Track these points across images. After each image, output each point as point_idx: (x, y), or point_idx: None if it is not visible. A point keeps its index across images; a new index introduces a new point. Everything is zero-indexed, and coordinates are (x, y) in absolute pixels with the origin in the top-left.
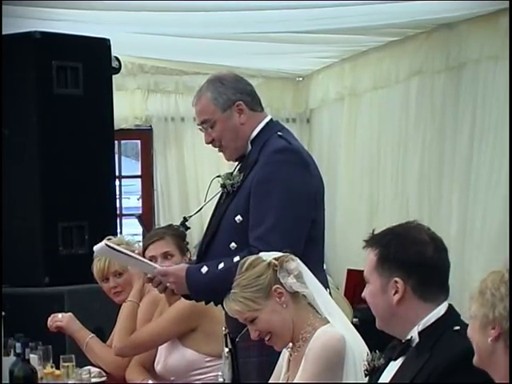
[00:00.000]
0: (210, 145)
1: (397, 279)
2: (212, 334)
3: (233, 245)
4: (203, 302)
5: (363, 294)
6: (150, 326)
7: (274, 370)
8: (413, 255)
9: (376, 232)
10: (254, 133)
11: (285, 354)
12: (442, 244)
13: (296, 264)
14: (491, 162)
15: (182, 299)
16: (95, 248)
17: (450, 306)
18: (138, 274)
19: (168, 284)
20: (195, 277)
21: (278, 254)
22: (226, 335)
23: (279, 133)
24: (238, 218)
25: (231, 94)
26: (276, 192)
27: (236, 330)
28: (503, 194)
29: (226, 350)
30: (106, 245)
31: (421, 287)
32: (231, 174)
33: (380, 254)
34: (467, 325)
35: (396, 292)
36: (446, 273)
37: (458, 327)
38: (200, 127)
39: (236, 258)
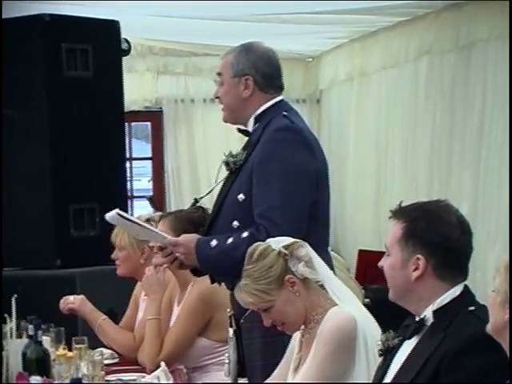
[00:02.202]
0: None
1: (419, 257)
2: (224, 322)
3: (235, 223)
4: (211, 293)
5: (380, 263)
6: (170, 335)
7: (277, 351)
8: (439, 236)
9: (404, 204)
10: (259, 110)
11: (296, 336)
12: (468, 228)
13: (306, 251)
14: (502, 142)
15: (189, 296)
16: (107, 215)
17: (466, 287)
18: (154, 289)
19: (178, 254)
20: (204, 249)
21: (287, 242)
22: (230, 317)
23: (284, 113)
24: (241, 196)
25: (246, 67)
26: (276, 170)
27: (241, 312)
28: None
29: (231, 331)
30: (117, 213)
31: (441, 268)
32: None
33: (406, 228)
34: (482, 305)
35: (416, 269)
36: (468, 256)
37: (472, 308)
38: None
39: (245, 234)
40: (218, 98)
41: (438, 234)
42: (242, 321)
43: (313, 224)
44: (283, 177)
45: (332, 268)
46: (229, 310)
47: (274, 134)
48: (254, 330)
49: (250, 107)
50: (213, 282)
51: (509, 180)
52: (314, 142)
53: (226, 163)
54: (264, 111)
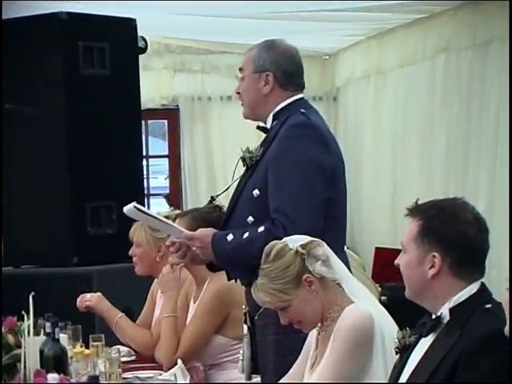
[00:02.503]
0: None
1: (435, 254)
2: (240, 319)
3: (250, 218)
4: (228, 291)
5: (396, 261)
6: (187, 332)
7: (290, 349)
8: (455, 233)
9: (420, 202)
10: (278, 107)
11: (313, 333)
12: (484, 225)
13: (323, 250)
14: None
15: (206, 294)
16: (125, 208)
17: (483, 285)
18: (170, 286)
19: (194, 248)
20: (220, 243)
21: (304, 241)
22: (245, 314)
23: (302, 110)
24: (256, 192)
25: (267, 63)
26: (291, 166)
27: (255, 309)
28: None
29: (246, 328)
30: (135, 206)
31: (458, 265)
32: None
33: (422, 226)
34: (499, 303)
35: (432, 266)
36: (484, 254)
37: (489, 305)
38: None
39: (261, 229)
40: (238, 93)
41: (454, 231)
42: (256, 318)
43: (329, 223)
44: (298, 172)
45: (348, 267)
46: (243, 306)
47: (290, 130)
48: (268, 327)
49: (270, 104)
50: (229, 279)
51: (509, 179)
52: (331, 140)
53: (243, 159)
54: (282, 108)
